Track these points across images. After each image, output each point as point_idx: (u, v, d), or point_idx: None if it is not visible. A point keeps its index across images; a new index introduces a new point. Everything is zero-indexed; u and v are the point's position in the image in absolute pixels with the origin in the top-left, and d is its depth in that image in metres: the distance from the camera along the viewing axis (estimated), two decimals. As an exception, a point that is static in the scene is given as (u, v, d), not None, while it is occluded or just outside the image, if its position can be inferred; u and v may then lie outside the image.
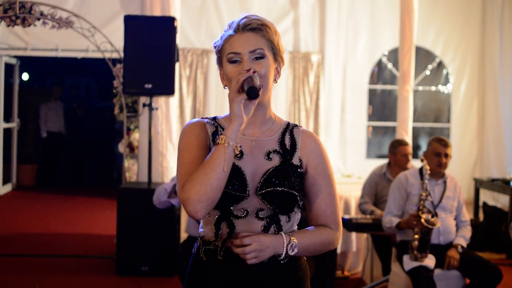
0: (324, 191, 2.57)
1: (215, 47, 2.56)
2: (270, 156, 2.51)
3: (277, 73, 2.56)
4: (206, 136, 2.53)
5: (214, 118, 2.61)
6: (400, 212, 5.86)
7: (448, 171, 6.03)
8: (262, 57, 2.47)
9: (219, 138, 2.36)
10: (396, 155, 6.92)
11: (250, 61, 2.46)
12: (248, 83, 2.36)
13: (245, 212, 2.46)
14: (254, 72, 2.42)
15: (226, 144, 2.35)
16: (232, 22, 2.53)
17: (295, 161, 2.54)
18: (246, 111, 2.39)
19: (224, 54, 2.50)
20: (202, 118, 2.61)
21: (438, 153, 5.80)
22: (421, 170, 5.91)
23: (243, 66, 2.44)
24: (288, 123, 2.62)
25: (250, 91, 2.34)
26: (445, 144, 5.81)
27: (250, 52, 2.46)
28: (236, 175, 2.42)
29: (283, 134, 2.57)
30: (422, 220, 5.44)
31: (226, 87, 2.53)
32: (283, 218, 2.51)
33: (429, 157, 5.85)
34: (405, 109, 8.37)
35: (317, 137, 2.62)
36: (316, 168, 2.56)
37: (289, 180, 2.47)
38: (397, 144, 6.98)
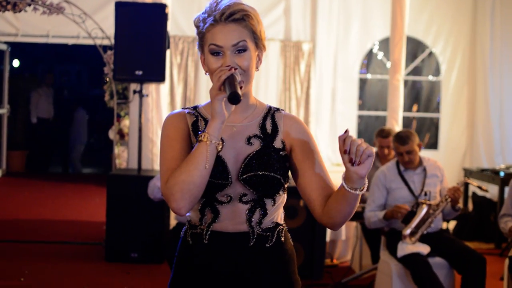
0: (319, 164, 2.54)
1: (196, 26, 2.53)
2: (251, 141, 2.51)
3: (259, 60, 2.54)
4: (186, 127, 2.53)
5: (195, 108, 2.60)
6: (381, 209, 5.86)
7: (438, 161, 6.02)
8: (244, 49, 2.44)
9: (201, 136, 2.36)
10: (376, 145, 6.89)
11: (232, 54, 2.43)
12: (229, 84, 2.34)
13: (229, 197, 2.47)
14: (235, 69, 2.40)
15: (209, 142, 2.35)
16: (216, 3, 2.49)
17: (277, 144, 2.53)
18: (228, 108, 2.38)
19: (206, 44, 2.47)
20: (182, 108, 2.60)
21: (399, 153, 5.77)
22: (397, 163, 5.89)
23: (224, 61, 2.42)
24: (270, 108, 2.61)
25: (232, 97, 2.31)
26: (403, 142, 5.71)
27: (232, 45, 2.43)
28: (217, 164, 2.42)
29: (264, 119, 2.57)
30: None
31: (207, 74, 2.52)
32: (268, 202, 2.50)
33: (396, 156, 5.88)
34: (395, 99, 8.39)
35: (299, 118, 2.61)
36: (303, 145, 2.54)
37: (270, 163, 2.47)
38: (377, 135, 6.91)
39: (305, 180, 2.53)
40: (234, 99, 2.31)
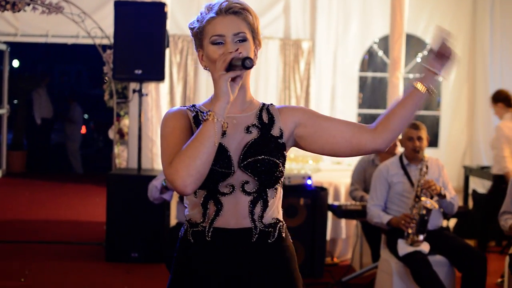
0: (332, 119, 2.61)
1: (191, 28, 2.61)
2: (250, 130, 2.56)
3: (255, 55, 2.61)
4: (187, 121, 2.56)
5: (193, 106, 2.65)
6: (383, 202, 5.87)
7: (439, 159, 6.03)
8: (244, 39, 2.53)
9: (207, 115, 2.39)
10: None
11: (233, 44, 2.50)
12: (237, 60, 2.42)
13: (231, 187, 2.49)
14: (240, 53, 2.45)
15: (215, 120, 2.37)
16: (212, 5, 2.56)
17: (275, 132, 2.58)
18: (232, 90, 2.44)
19: (207, 36, 2.54)
20: (181, 106, 2.65)
21: (410, 138, 5.83)
22: (401, 157, 5.92)
23: (227, 48, 2.48)
24: (264, 103, 2.68)
25: (245, 61, 2.39)
26: (417, 127, 5.84)
27: (233, 34, 2.51)
28: (220, 152, 2.45)
29: (260, 111, 2.63)
30: (422, 202, 5.44)
31: (206, 69, 2.59)
32: (269, 193, 2.53)
33: (404, 143, 5.92)
34: (395, 96, 8.37)
35: (290, 105, 2.69)
36: (310, 116, 2.62)
37: (269, 148, 2.52)
38: None
39: (330, 132, 2.58)
40: (248, 62, 2.39)
